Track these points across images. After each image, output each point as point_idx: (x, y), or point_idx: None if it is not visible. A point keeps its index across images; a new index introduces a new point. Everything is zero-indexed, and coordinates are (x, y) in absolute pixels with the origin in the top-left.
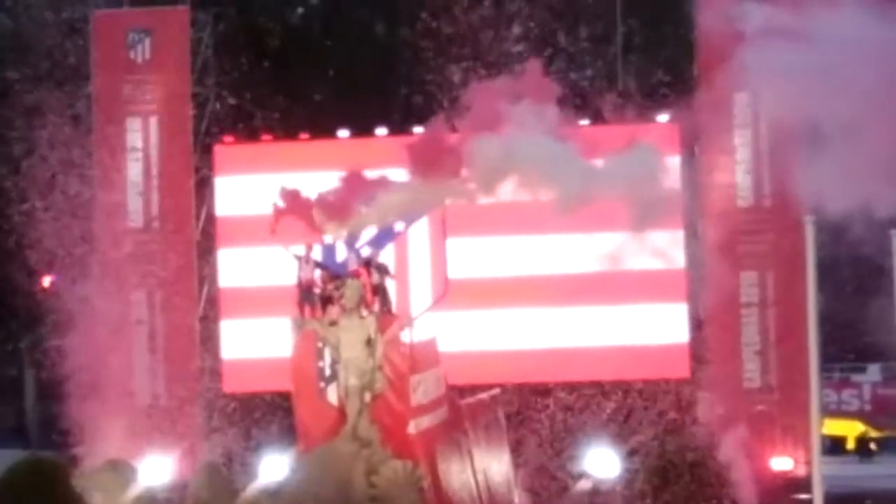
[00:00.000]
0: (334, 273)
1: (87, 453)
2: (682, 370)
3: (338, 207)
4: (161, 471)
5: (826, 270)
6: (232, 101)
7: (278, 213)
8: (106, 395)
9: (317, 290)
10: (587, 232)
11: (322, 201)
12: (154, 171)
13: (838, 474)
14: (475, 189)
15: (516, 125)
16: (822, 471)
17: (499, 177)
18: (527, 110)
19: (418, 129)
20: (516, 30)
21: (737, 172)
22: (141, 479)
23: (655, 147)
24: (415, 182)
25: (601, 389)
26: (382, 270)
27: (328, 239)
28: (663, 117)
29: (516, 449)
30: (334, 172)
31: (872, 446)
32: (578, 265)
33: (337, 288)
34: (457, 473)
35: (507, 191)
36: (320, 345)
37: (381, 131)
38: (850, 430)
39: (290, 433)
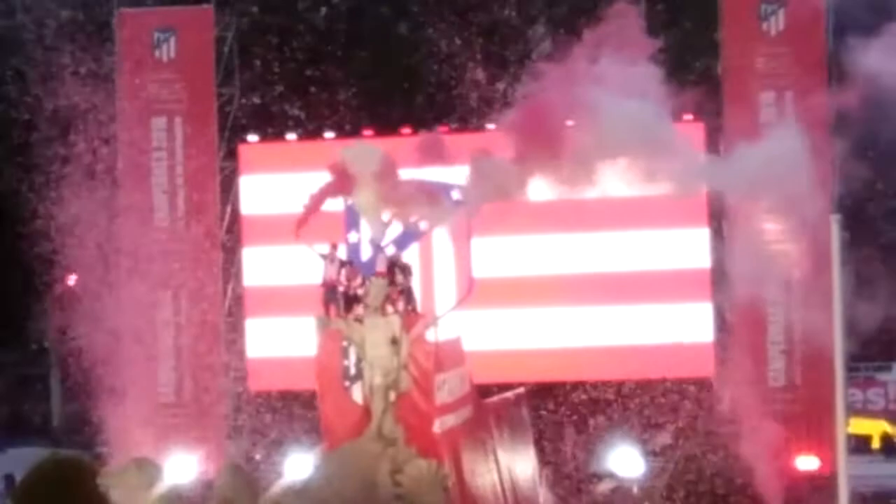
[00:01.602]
0: (359, 270)
1: (112, 452)
2: (706, 369)
3: (423, 191)
4: (185, 470)
5: (851, 268)
6: (256, 100)
7: (310, 207)
8: (131, 393)
9: (340, 288)
10: (612, 230)
11: (400, 184)
12: (179, 169)
13: (864, 473)
14: (578, 173)
15: (615, 91)
16: (847, 470)
17: (606, 161)
18: (622, 73)
19: (442, 129)
20: (540, 28)
21: None
22: (165, 477)
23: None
24: (509, 165)
25: (626, 388)
26: (406, 271)
27: (352, 238)
28: (688, 116)
29: (541, 447)
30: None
31: None
32: (603, 264)
33: (361, 286)
34: (481, 472)
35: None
36: (345, 343)
37: (406, 130)
38: (876, 428)
39: (314, 432)
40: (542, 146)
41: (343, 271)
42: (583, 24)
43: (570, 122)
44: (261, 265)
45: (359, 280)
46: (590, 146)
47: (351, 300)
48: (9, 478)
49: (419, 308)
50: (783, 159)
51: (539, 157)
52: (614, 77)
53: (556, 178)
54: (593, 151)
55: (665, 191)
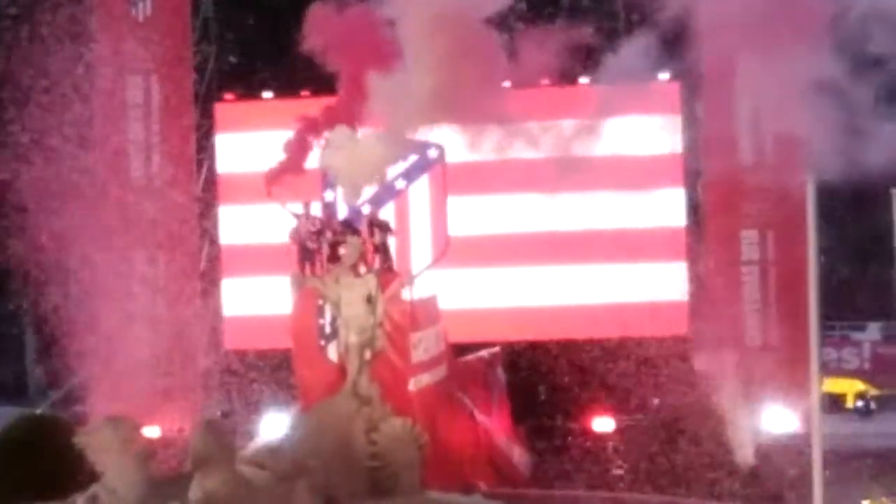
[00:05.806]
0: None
1: (88, 411)
2: (680, 328)
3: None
4: (161, 428)
5: (827, 229)
6: (233, 58)
7: (282, 167)
8: (107, 352)
9: (310, 237)
10: (588, 190)
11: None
12: (155, 128)
13: (838, 432)
14: None
15: None
16: (821, 429)
17: None
18: None
19: None
20: None
21: (739, 130)
22: (141, 436)
23: None
24: None
25: (600, 347)
26: (383, 228)
27: (328, 197)
28: (664, 75)
29: (515, 406)
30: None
31: (872, 404)
32: (579, 223)
33: (337, 243)
34: (456, 431)
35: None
36: (321, 302)
37: None
38: (850, 387)
39: (290, 391)
40: None
41: (317, 222)
42: None
43: None
44: (237, 223)
45: (335, 228)
46: None
47: (326, 258)
48: None
49: (395, 266)
50: None
51: None
52: None
53: None
54: None
55: None
